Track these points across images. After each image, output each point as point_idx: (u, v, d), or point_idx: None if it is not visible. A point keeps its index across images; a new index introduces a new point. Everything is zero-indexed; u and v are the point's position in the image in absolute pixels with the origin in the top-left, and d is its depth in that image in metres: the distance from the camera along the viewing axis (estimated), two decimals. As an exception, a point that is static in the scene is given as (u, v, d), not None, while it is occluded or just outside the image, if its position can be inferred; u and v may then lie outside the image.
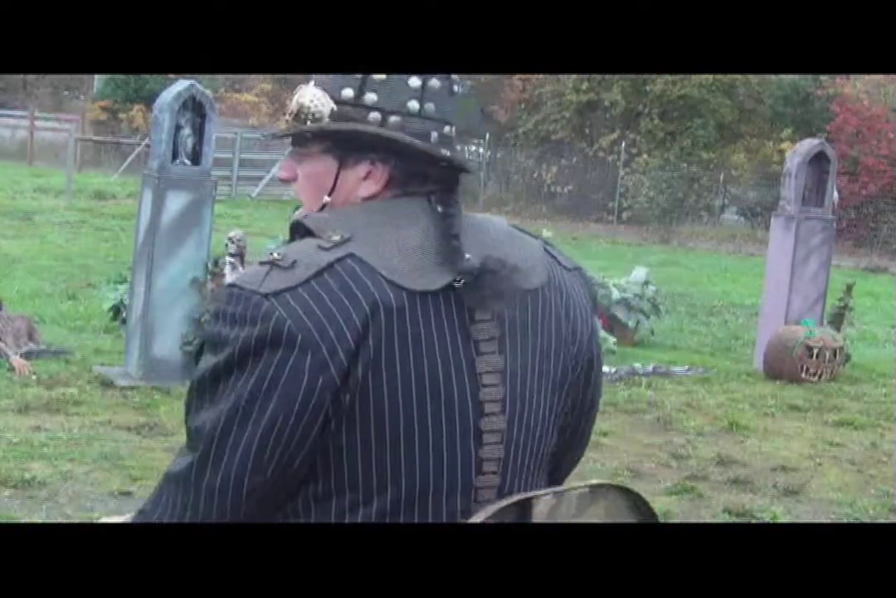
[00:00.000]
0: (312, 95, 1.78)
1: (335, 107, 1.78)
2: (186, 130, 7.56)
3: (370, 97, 1.79)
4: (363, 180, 1.79)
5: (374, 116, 1.78)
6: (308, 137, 1.79)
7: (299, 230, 1.76)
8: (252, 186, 23.71)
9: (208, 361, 1.74)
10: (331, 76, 1.80)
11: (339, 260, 1.68)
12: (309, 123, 1.77)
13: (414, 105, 1.81)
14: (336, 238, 1.71)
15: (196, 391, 1.80)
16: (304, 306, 1.65)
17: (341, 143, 1.78)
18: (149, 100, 18.99)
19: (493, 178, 26.80)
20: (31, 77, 34.21)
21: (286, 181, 1.85)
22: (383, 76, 1.81)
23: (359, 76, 1.80)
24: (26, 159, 26.69)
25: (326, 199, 1.80)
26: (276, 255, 1.69)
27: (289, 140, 1.87)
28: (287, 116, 1.79)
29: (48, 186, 20.93)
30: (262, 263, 1.70)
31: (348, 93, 1.79)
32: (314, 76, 1.82)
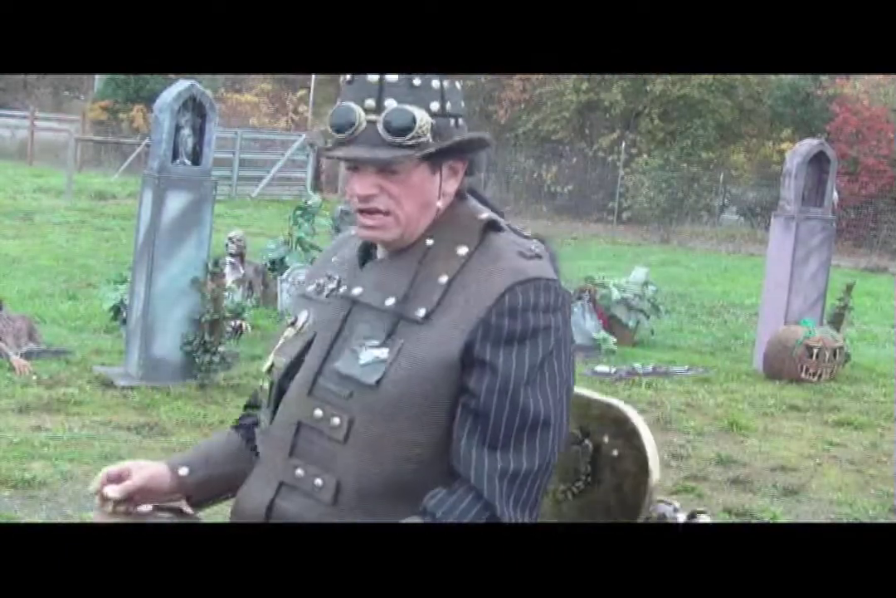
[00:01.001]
0: (420, 117, 1.88)
1: (433, 121, 1.90)
2: (186, 131, 7.56)
3: (448, 106, 1.93)
4: (448, 179, 1.98)
5: (454, 122, 1.94)
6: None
7: (494, 227, 2.00)
8: (252, 186, 23.69)
9: (533, 351, 1.88)
10: (408, 88, 1.89)
11: (544, 247, 2.00)
12: (429, 138, 1.89)
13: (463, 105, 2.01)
14: (527, 231, 2.02)
15: (529, 385, 1.88)
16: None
17: (435, 151, 1.91)
18: (149, 100, 18.98)
19: (493, 178, 26.78)
20: (31, 77, 34.20)
21: (370, 198, 1.93)
22: (448, 83, 1.93)
23: (437, 87, 1.91)
24: (26, 159, 26.68)
25: (439, 204, 1.98)
26: (536, 250, 1.97)
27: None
28: (393, 137, 1.87)
29: (48, 186, 20.91)
30: (532, 258, 1.94)
31: (436, 106, 1.91)
32: (389, 87, 1.89)
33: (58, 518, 4.92)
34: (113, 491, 2.04)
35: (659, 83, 25.09)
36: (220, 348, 7.55)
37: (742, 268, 17.32)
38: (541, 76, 25.70)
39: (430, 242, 1.97)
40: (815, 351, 9.08)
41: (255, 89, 33.33)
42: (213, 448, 2.19)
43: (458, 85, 1.95)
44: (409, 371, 1.89)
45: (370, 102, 1.88)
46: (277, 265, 10.83)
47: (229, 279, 9.33)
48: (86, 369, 7.69)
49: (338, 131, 1.90)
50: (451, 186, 1.99)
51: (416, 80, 1.89)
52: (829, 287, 9.74)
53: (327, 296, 2.06)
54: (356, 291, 2.01)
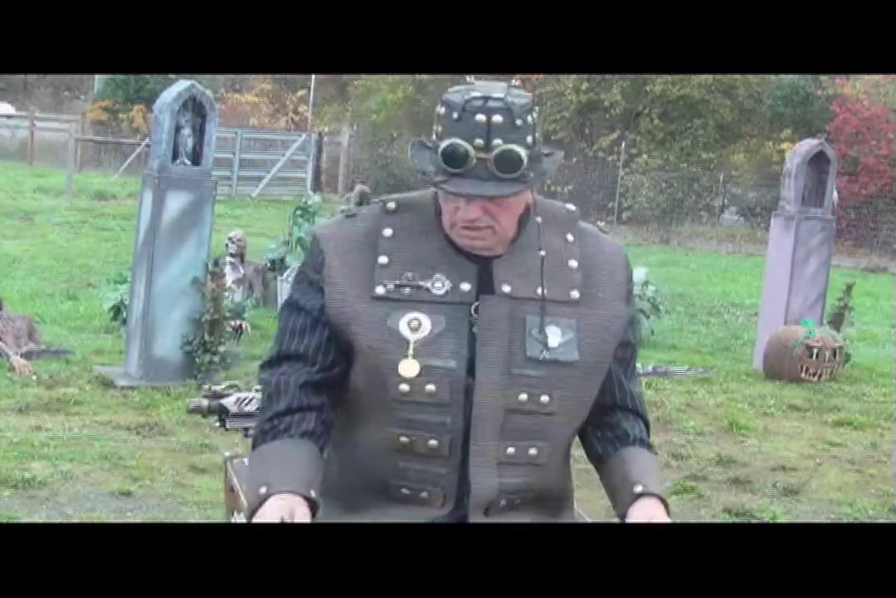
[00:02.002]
0: (525, 156, 2.14)
1: (530, 154, 2.16)
2: (187, 131, 7.56)
3: (537, 136, 2.18)
4: (531, 192, 2.29)
5: (539, 148, 2.20)
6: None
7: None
8: (252, 186, 23.67)
9: None
10: (511, 128, 2.13)
11: None
12: (528, 170, 2.17)
13: None
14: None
15: None
16: None
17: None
18: (149, 100, 18.94)
19: (493, 178, 26.72)
20: (31, 77, 34.19)
21: (476, 220, 2.20)
22: (535, 114, 2.17)
23: (530, 122, 2.15)
24: (27, 159, 26.68)
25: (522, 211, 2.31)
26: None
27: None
28: (502, 174, 2.14)
29: (49, 186, 20.90)
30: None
31: (530, 139, 2.16)
32: (496, 128, 2.12)
33: (58, 518, 4.92)
34: None
35: (659, 83, 25.06)
36: (220, 348, 7.55)
37: (742, 268, 17.31)
38: (541, 76, 25.69)
39: (528, 236, 2.30)
40: (815, 351, 9.07)
41: (255, 89, 33.33)
42: (310, 462, 2.24)
43: (536, 112, 2.21)
44: (593, 343, 2.29)
45: (479, 142, 2.11)
46: (277, 265, 10.82)
47: (229, 279, 9.32)
48: (86, 369, 7.69)
49: (450, 166, 2.14)
50: (532, 196, 2.30)
51: (518, 121, 2.12)
52: (829, 287, 9.73)
53: (446, 295, 2.26)
54: (507, 288, 2.27)
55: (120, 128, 27.69)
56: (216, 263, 7.63)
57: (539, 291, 2.27)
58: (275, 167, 24.08)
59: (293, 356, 2.30)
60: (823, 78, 23.85)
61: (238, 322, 8.26)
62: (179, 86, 7.59)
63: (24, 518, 4.87)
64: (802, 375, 9.04)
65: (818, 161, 9.68)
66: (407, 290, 2.24)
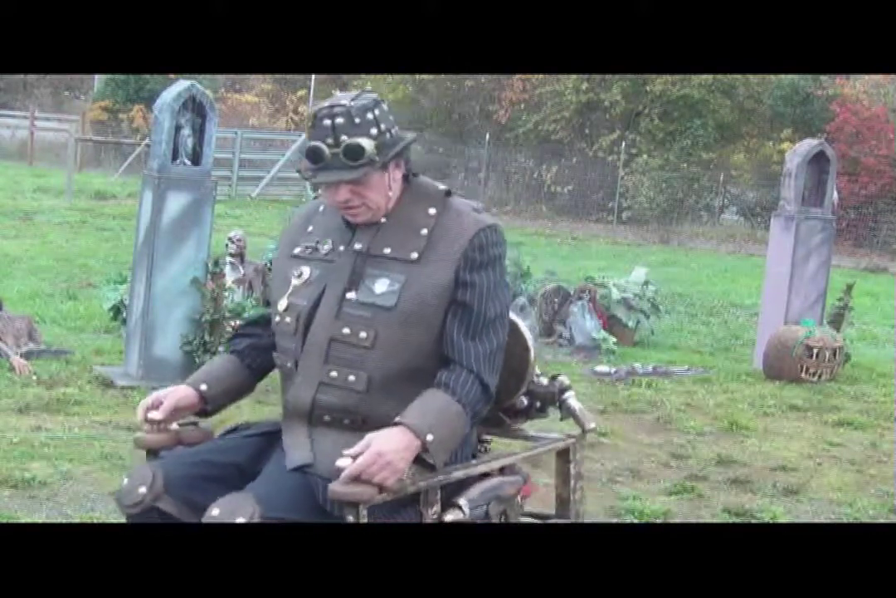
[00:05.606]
0: (366, 144, 2.66)
1: (375, 142, 2.68)
2: (186, 131, 7.55)
3: (382, 127, 2.69)
4: (394, 171, 2.78)
5: (390, 135, 2.72)
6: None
7: (449, 194, 2.84)
8: (252, 186, 23.67)
9: (494, 271, 2.79)
10: (351, 126, 2.65)
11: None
12: (375, 155, 2.69)
13: None
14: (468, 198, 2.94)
15: (493, 293, 2.79)
16: None
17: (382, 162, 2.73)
18: (149, 100, 18.94)
19: (493, 178, 26.77)
20: (31, 77, 34.18)
21: (347, 201, 2.73)
22: (378, 111, 2.67)
23: (371, 118, 2.66)
24: (27, 159, 26.67)
25: (390, 193, 2.79)
26: (479, 206, 2.86)
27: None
28: (352, 162, 2.66)
29: (48, 186, 20.89)
30: (481, 212, 2.83)
31: (374, 131, 2.68)
32: (340, 127, 2.64)
33: (58, 518, 4.91)
34: (156, 414, 2.87)
35: (659, 83, 25.05)
36: (220, 348, 7.54)
37: (742, 268, 17.30)
38: (541, 76, 25.69)
39: (399, 209, 2.80)
40: (815, 351, 9.07)
41: (255, 89, 33.31)
42: (219, 368, 2.99)
43: (385, 106, 2.70)
44: (416, 295, 2.72)
45: (330, 140, 2.66)
46: (277, 265, 10.80)
47: (229, 279, 9.31)
48: (86, 369, 7.68)
49: (313, 163, 2.69)
50: (398, 174, 2.80)
51: (357, 119, 2.65)
52: (829, 287, 9.73)
53: (327, 254, 2.83)
54: (358, 246, 2.79)
55: (120, 128, 27.67)
56: (216, 263, 7.62)
57: (385, 251, 2.78)
58: (275, 167, 24.08)
59: (266, 301, 3.14)
60: (823, 78, 23.84)
61: (238, 322, 8.25)
62: (179, 86, 7.59)
63: (24, 518, 4.86)
64: (802, 375, 9.03)
65: (818, 161, 9.67)
66: (309, 250, 2.86)
